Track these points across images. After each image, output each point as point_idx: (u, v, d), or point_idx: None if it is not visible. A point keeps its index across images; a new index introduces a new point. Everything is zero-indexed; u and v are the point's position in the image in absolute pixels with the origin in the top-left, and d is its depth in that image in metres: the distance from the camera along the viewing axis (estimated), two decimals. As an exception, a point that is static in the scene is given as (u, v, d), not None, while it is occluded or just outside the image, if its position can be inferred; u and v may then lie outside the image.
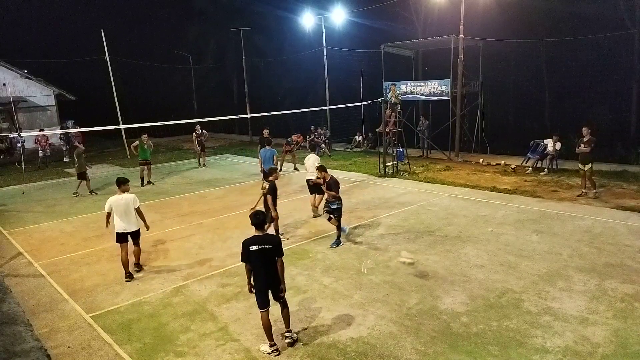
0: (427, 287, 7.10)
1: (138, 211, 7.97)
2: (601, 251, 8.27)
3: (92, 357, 5.65)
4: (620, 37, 20.49)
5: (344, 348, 5.58)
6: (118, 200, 7.77)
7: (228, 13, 35.25)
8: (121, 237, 7.87)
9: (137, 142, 15.91)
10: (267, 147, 13.06)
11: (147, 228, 8.21)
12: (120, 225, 7.81)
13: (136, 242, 8.13)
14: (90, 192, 14.72)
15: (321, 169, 9.21)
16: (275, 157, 12.84)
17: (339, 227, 9.12)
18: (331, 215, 9.07)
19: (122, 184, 7.95)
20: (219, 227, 10.72)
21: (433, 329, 5.91)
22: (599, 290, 6.80)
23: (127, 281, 7.82)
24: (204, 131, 19.62)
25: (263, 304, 5.60)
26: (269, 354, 5.55)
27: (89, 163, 15.74)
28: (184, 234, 10.37)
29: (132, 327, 6.32)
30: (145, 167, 15.96)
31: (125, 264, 7.89)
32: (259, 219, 5.59)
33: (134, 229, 7.95)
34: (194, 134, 19.41)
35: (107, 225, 7.98)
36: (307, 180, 10.99)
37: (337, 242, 9.06)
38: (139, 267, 8.32)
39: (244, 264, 5.59)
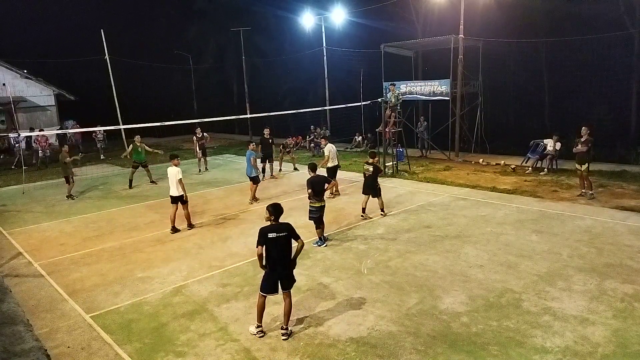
0: (427, 287, 7.10)
1: (180, 182, 10.06)
2: (601, 251, 8.27)
3: (92, 357, 5.64)
4: (620, 37, 20.49)
5: (344, 348, 5.58)
6: (169, 170, 10.25)
7: (228, 13, 35.23)
8: (171, 199, 10.28)
9: (131, 146, 15.75)
10: (248, 149, 13.16)
11: (185, 197, 10.26)
12: (170, 189, 10.25)
13: (184, 207, 10.38)
14: (67, 197, 14.16)
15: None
16: (252, 158, 12.81)
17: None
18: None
19: (174, 157, 10.39)
20: (219, 227, 10.73)
21: (433, 329, 5.91)
22: (599, 290, 6.80)
23: (171, 233, 10.22)
24: (204, 134, 18.34)
25: (267, 289, 5.85)
26: (254, 334, 5.90)
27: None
28: (184, 234, 10.37)
29: (132, 327, 6.32)
30: (144, 169, 15.93)
31: (171, 220, 10.34)
32: (278, 211, 5.96)
33: (175, 194, 10.20)
34: (195, 137, 18.22)
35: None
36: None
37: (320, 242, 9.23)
38: (190, 226, 10.55)
39: (258, 248, 5.84)
